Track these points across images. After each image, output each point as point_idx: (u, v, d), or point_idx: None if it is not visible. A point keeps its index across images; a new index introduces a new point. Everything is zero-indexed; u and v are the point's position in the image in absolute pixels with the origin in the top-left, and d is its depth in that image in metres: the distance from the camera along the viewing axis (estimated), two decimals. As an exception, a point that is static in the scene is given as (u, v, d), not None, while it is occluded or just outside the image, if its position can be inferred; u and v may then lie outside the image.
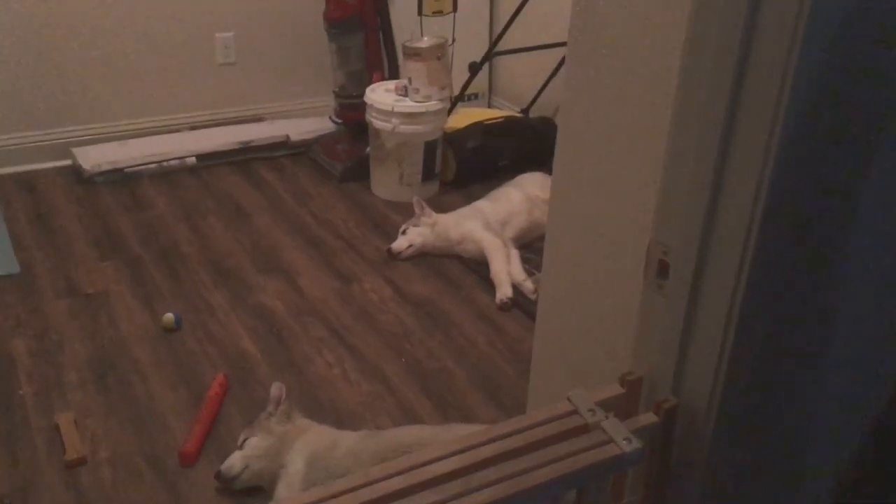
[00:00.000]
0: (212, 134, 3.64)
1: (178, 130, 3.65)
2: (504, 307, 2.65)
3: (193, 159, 3.50)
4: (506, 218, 2.96)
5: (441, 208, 3.02)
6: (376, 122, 3.22)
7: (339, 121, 3.57)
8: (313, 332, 2.50)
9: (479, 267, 2.85)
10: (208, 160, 3.53)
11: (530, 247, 2.98)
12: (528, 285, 2.71)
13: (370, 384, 2.30)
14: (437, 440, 1.86)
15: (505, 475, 0.87)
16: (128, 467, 1.99)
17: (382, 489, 0.87)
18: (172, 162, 3.47)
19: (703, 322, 0.91)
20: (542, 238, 3.01)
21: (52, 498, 1.90)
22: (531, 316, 2.61)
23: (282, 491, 1.86)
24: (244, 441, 1.95)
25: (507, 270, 2.75)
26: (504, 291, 2.68)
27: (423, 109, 3.18)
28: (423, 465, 0.89)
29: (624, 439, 0.90)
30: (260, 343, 2.44)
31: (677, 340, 0.93)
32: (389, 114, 3.17)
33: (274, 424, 1.96)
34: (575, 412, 0.93)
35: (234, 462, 1.92)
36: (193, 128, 3.69)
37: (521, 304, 2.67)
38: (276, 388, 2.01)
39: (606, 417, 0.93)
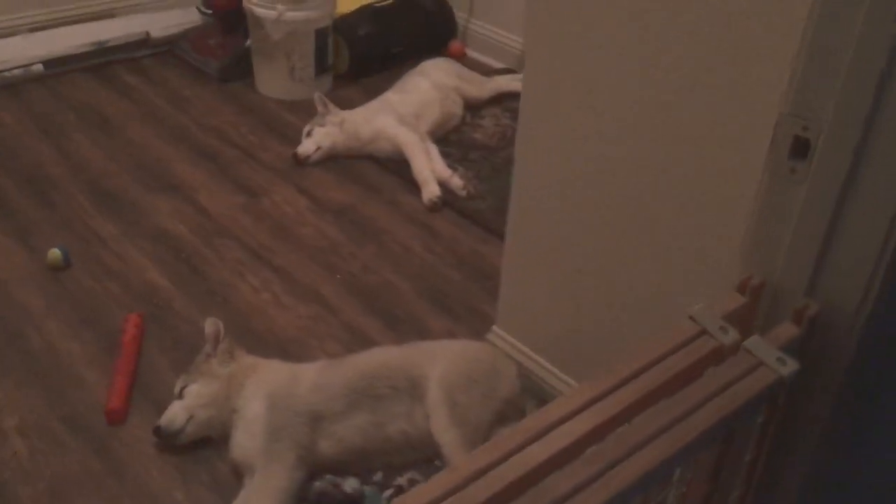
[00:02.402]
0: (58, 35, 3.11)
1: (15, 34, 3.10)
2: (433, 207, 2.44)
3: (40, 66, 2.99)
4: (418, 110, 2.71)
5: (340, 105, 2.73)
6: (258, 10, 2.84)
7: (209, 11, 3.15)
8: (229, 255, 2.21)
9: (396, 166, 2.61)
10: (57, 66, 3.03)
11: (446, 140, 2.76)
12: (456, 181, 2.50)
13: (307, 307, 2.06)
14: (407, 361, 1.68)
15: (660, 427, 0.69)
16: (44, 435, 1.69)
17: (527, 462, 0.67)
18: (15, 72, 2.95)
19: (858, 212, 0.75)
20: (456, 130, 2.83)
21: (-44, 484, 1.58)
22: (464, 214, 2.43)
23: (241, 439, 1.62)
24: (183, 389, 1.69)
25: (429, 167, 2.53)
26: (431, 190, 2.46)
27: (311, -8, 2.82)
28: (556, 424, 0.69)
29: (777, 359, 0.75)
30: (169, 273, 2.13)
31: (820, 235, 0.77)
32: (273, -1, 2.80)
33: (216, 366, 1.71)
34: (704, 332, 0.76)
35: (176, 414, 1.66)
36: (33, 29, 3.14)
37: (451, 202, 2.47)
38: (212, 325, 1.74)
39: (742, 335, 0.77)
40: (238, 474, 1.62)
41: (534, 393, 1.72)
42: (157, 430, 1.66)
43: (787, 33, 0.95)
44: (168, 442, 1.66)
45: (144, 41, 3.19)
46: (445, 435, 1.58)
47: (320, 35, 2.91)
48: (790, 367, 0.75)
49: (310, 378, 1.67)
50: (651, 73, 1.26)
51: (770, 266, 0.82)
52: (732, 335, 0.77)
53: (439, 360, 1.67)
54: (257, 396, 1.65)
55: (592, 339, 1.61)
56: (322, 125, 2.64)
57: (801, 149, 0.77)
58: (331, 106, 2.65)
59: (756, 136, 0.99)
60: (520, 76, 3.09)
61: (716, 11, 1.12)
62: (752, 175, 0.82)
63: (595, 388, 0.75)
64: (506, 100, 3.00)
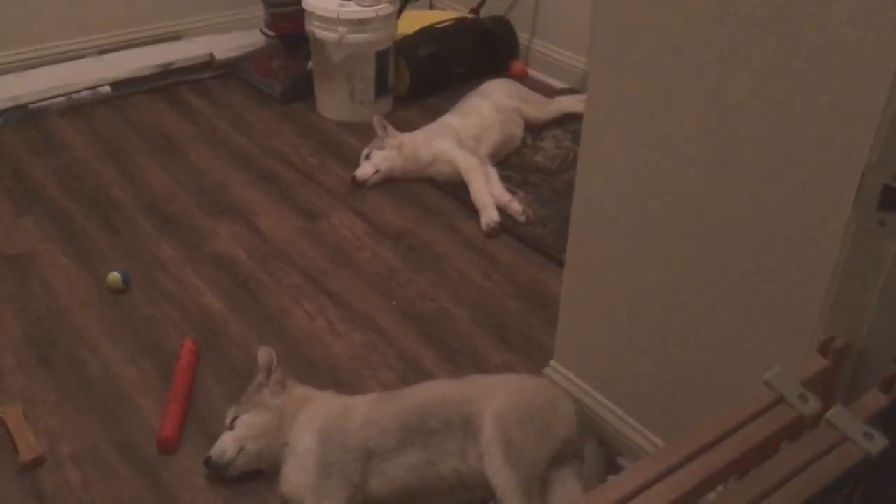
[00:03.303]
0: (125, 57, 3.18)
1: (85, 56, 3.17)
2: (492, 233, 2.39)
3: (108, 88, 3.05)
4: (478, 133, 2.66)
5: (400, 127, 2.70)
6: (320, 32, 2.84)
7: (272, 33, 3.16)
8: (285, 280, 2.20)
9: (455, 190, 2.57)
10: (124, 88, 3.09)
11: (506, 163, 2.71)
12: (516, 206, 2.44)
13: (362, 334, 2.03)
14: (461, 396, 1.63)
15: (730, 508, 0.63)
16: (97, 462, 1.68)
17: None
18: (83, 93, 3.01)
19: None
20: (517, 153, 2.78)
21: (11, 511, 1.58)
22: (524, 240, 2.37)
23: (292, 473, 1.59)
24: (234, 419, 1.67)
25: (488, 192, 2.48)
26: (490, 215, 2.41)
27: (372, 14, 2.81)
28: (624, 500, 0.63)
29: (863, 434, 0.67)
30: (226, 298, 2.13)
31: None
32: (335, 21, 2.79)
33: (268, 397, 1.68)
34: (781, 400, 0.69)
35: (227, 446, 1.64)
36: (103, 51, 3.21)
37: (510, 227, 2.42)
38: (265, 354, 1.72)
39: (824, 404, 0.69)
40: (288, 509, 1.59)
41: (593, 432, 1.65)
42: (208, 462, 1.64)
43: (878, 71, 0.87)
44: (218, 474, 1.64)
45: (208, 63, 3.23)
46: (499, 475, 1.52)
47: (381, 57, 2.89)
48: (878, 443, 0.68)
49: (362, 412, 1.63)
50: (724, 104, 1.19)
51: (855, 327, 0.74)
52: (813, 404, 0.70)
53: (494, 395, 1.61)
54: (309, 430, 1.62)
55: (655, 381, 1.54)
56: (381, 148, 2.61)
57: (890, 199, 0.69)
58: (390, 129, 2.63)
59: (842, 182, 0.92)
60: (583, 97, 3.02)
61: (800, 43, 1.04)
62: (837, 224, 0.75)
63: (663, 461, 0.69)
64: (568, 121, 2.93)
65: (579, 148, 1.54)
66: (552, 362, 1.79)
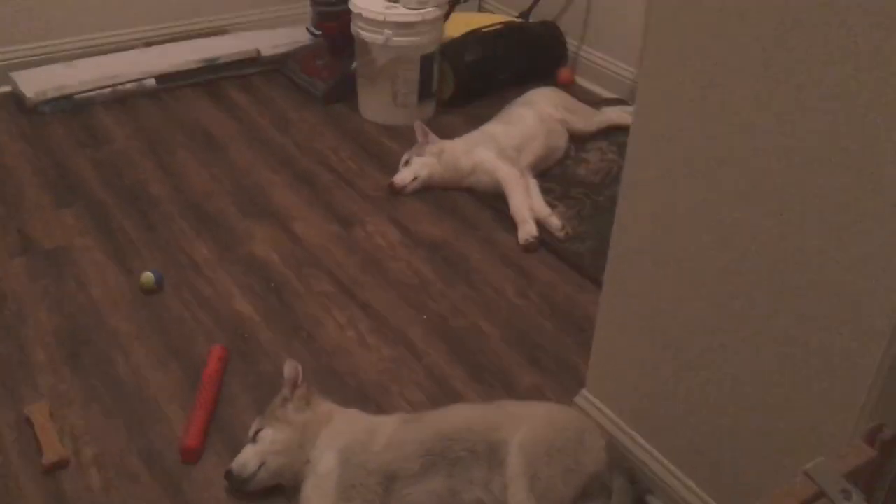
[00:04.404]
0: (171, 50, 3.18)
1: (131, 47, 3.18)
2: (530, 248, 2.34)
3: (152, 81, 3.06)
4: (521, 143, 2.61)
5: (442, 132, 2.67)
6: (365, 34, 2.81)
7: (318, 32, 3.14)
8: (318, 287, 2.17)
9: (493, 201, 2.52)
10: (169, 81, 3.09)
11: (547, 174, 2.66)
12: (555, 221, 2.39)
13: (391, 348, 2.00)
14: (488, 423, 1.59)
15: None
16: (119, 468, 1.68)
17: None
18: (128, 85, 3.02)
19: None
20: (559, 164, 2.72)
21: (32, 513, 1.59)
22: (561, 257, 2.32)
23: (310, 494, 1.57)
24: (257, 432, 1.65)
25: (528, 205, 2.43)
26: (528, 230, 2.36)
27: (419, 17, 2.77)
28: None
29: (910, 543, 0.62)
30: (258, 303, 2.11)
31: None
32: (380, 24, 2.76)
33: (292, 413, 1.66)
34: (822, 495, 0.64)
35: (248, 460, 1.62)
36: (149, 44, 3.22)
37: (548, 242, 2.36)
38: (291, 368, 1.69)
39: (867, 499, 0.64)
40: (306, 528, 1.57)
41: (622, 468, 1.60)
42: (229, 475, 1.62)
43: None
44: (238, 488, 1.63)
45: (254, 59, 3.22)
46: (523, 509, 1.47)
47: (426, 61, 2.86)
48: (927, 551, 0.63)
49: (386, 434, 1.60)
50: (783, 132, 1.12)
51: (906, 415, 0.69)
52: (857, 500, 0.65)
53: (522, 425, 1.57)
54: (332, 449, 1.59)
55: (690, 422, 1.48)
56: (420, 154, 2.58)
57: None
58: (431, 135, 2.59)
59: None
60: (630, 108, 2.96)
61: (861, 71, 0.98)
62: (892, 298, 0.69)
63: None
64: (614, 133, 2.86)
65: (623, 169, 1.48)
66: (583, 391, 1.74)
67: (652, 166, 1.38)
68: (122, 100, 2.99)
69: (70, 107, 2.91)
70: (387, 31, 2.76)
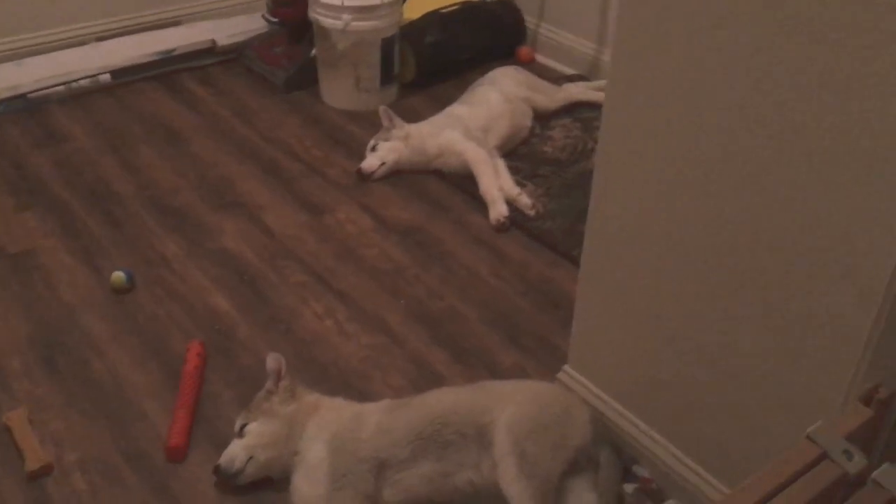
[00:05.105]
0: (124, 44, 3.11)
1: (83, 43, 3.10)
2: (501, 227, 2.35)
3: (108, 76, 2.99)
4: (487, 123, 2.61)
5: (405, 115, 2.65)
6: (323, 20, 2.78)
7: (275, 19, 3.10)
8: (292, 278, 2.16)
9: (462, 182, 2.52)
10: (124, 76, 3.03)
11: (514, 154, 2.67)
12: (524, 200, 2.41)
13: (371, 335, 2.00)
14: (474, 406, 1.60)
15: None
16: (104, 471, 1.66)
17: None
18: (83, 81, 2.95)
19: None
20: (525, 143, 2.73)
21: (19, 522, 1.56)
22: (533, 235, 2.34)
23: (302, 484, 1.57)
24: (243, 427, 1.64)
25: (497, 185, 2.44)
26: (499, 210, 2.37)
27: (378, 1, 2.75)
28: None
29: (912, 497, 0.65)
30: (233, 297, 2.09)
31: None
32: (339, 8, 2.73)
33: (277, 405, 1.65)
34: (825, 457, 0.66)
35: (236, 454, 1.62)
36: (101, 38, 3.14)
37: (519, 221, 2.38)
38: (274, 361, 1.69)
39: (869, 461, 0.66)
40: (298, 519, 1.57)
41: (608, 440, 1.63)
42: (217, 470, 1.62)
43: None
44: (227, 482, 1.62)
45: (210, 49, 3.17)
46: (513, 487, 1.49)
47: (387, 44, 2.84)
48: (929, 504, 0.65)
49: (374, 421, 1.60)
50: (761, 95, 1.13)
51: (900, 374, 0.71)
52: (858, 461, 0.67)
53: (507, 404, 1.58)
54: (320, 439, 1.59)
55: (674, 391, 1.51)
56: (387, 139, 2.57)
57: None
58: (396, 119, 2.58)
59: (893, 216, 0.86)
60: (592, 84, 2.98)
61: (842, 51, 0.99)
62: (885, 257, 0.71)
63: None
64: (577, 109, 2.88)
65: (598, 142, 1.49)
66: (566, 367, 1.76)
67: (627, 138, 1.40)
68: (78, 97, 2.93)
69: (23, 106, 2.84)
70: (346, 16, 2.73)
